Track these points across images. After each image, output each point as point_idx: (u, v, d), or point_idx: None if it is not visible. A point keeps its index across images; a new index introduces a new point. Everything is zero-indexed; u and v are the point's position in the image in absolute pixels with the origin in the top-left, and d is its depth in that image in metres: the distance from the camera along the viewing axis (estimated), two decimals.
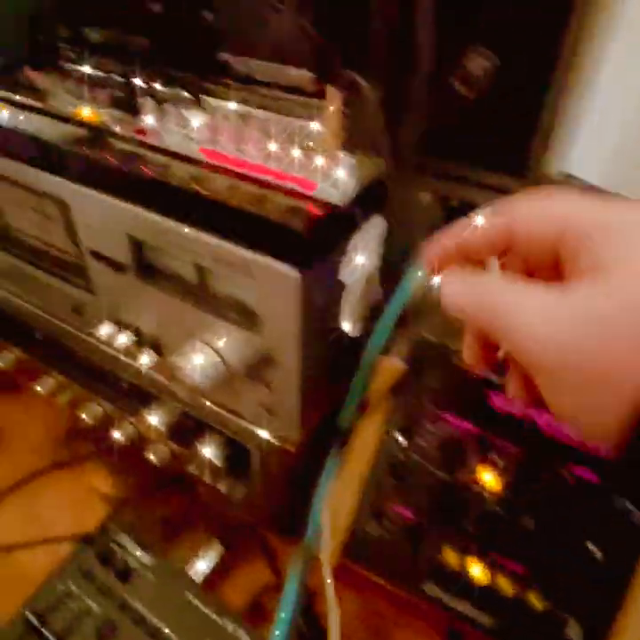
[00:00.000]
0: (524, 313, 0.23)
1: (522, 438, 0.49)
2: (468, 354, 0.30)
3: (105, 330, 0.56)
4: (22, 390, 0.81)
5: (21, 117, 0.53)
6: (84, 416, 0.72)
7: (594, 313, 0.21)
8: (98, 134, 0.49)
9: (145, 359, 0.55)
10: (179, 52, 0.56)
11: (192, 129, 0.48)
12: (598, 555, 0.46)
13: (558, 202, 0.25)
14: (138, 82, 0.57)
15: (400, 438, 0.53)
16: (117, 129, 0.50)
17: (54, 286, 0.61)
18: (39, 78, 0.59)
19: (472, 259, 0.28)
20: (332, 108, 0.45)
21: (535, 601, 0.49)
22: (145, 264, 0.50)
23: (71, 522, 0.66)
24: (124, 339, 0.55)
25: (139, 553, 0.58)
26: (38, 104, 0.55)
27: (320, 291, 0.44)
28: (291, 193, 0.42)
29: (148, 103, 0.51)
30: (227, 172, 0.44)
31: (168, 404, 0.61)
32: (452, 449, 0.51)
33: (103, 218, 0.48)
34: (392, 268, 0.53)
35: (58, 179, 0.49)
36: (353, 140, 0.47)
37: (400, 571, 0.54)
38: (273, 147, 0.46)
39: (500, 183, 0.49)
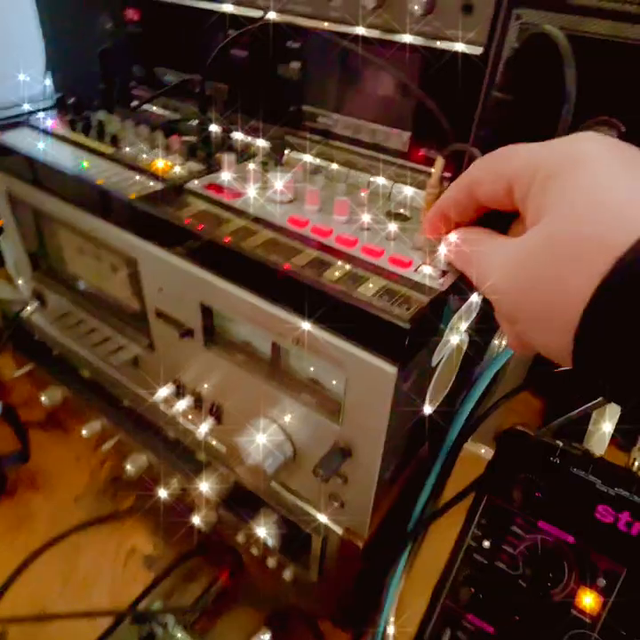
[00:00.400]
0: (487, 259, 0.26)
1: (631, 558, 0.42)
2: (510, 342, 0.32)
3: (164, 392, 0.53)
4: (69, 431, 0.79)
5: (93, 165, 0.50)
6: (128, 467, 0.68)
7: (530, 256, 0.23)
8: (174, 190, 0.46)
9: (204, 427, 0.51)
10: (261, 101, 0.53)
11: (275, 190, 0.44)
12: None
13: (503, 158, 0.27)
14: (215, 128, 0.54)
15: (483, 542, 0.47)
16: (196, 185, 0.46)
17: (111, 336, 0.58)
18: (112, 121, 0.57)
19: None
20: (435, 176, 0.40)
21: None
22: (215, 332, 0.46)
23: (110, 585, 0.62)
24: (183, 404, 0.51)
25: (180, 635, 0.53)
26: (110, 150, 0.52)
27: (411, 379, 0.39)
28: (388, 275, 0.37)
29: (226, 157, 0.47)
30: (316, 245, 0.40)
31: (223, 471, 0.57)
32: (547, 562, 0.45)
33: (174, 281, 0.45)
34: (474, 341, 0.48)
35: (128, 235, 0.46)
36: None
37: None
38: (366, 218, 0.41)
39: None
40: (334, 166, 0.50)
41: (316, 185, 0.46)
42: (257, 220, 0.43)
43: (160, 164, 0.50)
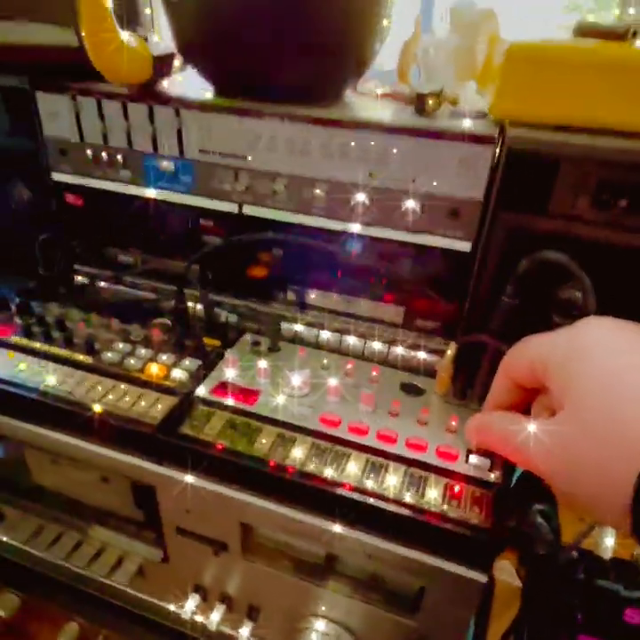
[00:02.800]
0: (520, 440, 0.30)
1: None
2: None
3: (192, 603, 0.48)
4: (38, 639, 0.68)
5: (78, 383, 0.45)
6: None
7: (570, 442, 0.27)
8: (186, 403, 0.44)
9: (244, 631, 0.48)
10: (241, 283, 0.53)
11: (291, 384, 0.44)
12: None
13: (523, 347, 0.32)
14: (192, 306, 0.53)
15: None
16: (205, 393, 0.45)
17: (104, 550, 0.52)
18: (72, 316, 0.53)
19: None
20: (448, 359, 0.44)
21: None
22: (254, 543, 0.44)
23: None
24: (217, 616, 0.48)
25: None
26: (88, 359, 0.48)
27: None
28: (442, 473, 0.39)
29: (230, 356, 0.46)
30: (360, 448, 0.40)
31: None
32: None
33: (207, 504, 0.42)
34: None
35: (146, 464, 0.43)
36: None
37: None
38: (393, 405, 0.43)
39: None
40: (327, 334, 0.51)
41: (317, 365, 0.47)
42: (288, 425, 0.42)
43: (154, 368, 0.47)
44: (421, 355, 0.49)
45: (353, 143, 0.42)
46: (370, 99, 0.48)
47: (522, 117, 0.39)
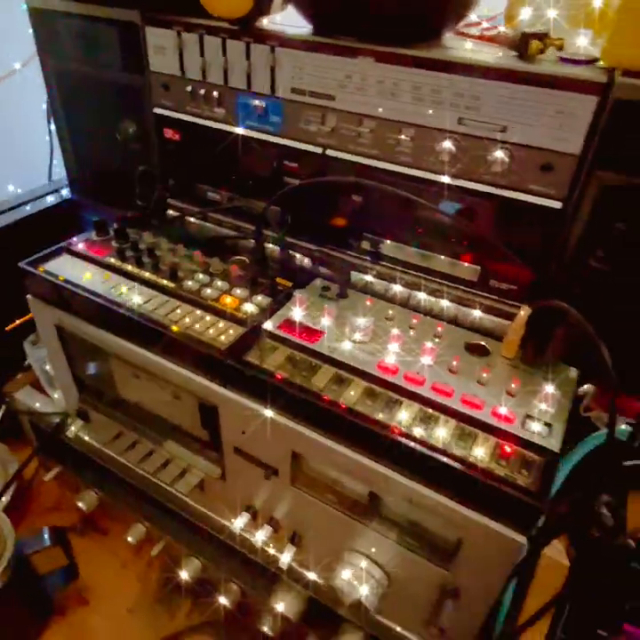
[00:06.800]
0: None
1: None
2: None
3: (241, 522, 0.52)
4: (108, 535, 0.76)
5: (159, 305, 0.49)
6: (183, 574, 0.67)
7: None
8: (253, 334, 0.46)
9: (285, 556, 0.51)
10: (320, 227, 0.53)
11: (354, 329, 0.45)
12: None
13: None
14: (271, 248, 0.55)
15: None
16: (271, 327, 0.47)
17: (171, 460, 0.57)
18: (162, 245, 0.57)
19: None
20: (520, 322, 0.42)
21: None
22: (303, 472, 0.46)
23: None
24: (262, 535, 0.51)
25: None
26: (171, 284, 0.52)
27: None
28: (495, 433, 0.38)
29: (298, 296, 0.48)
30: (414, 397, 0.41)
31: (297, 588, 0.57)
32: None
33: (262, 429, 0.45)
34: None
35: (211, 385, 0.46)
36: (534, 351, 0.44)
37: None
38: (453, 360, 0.43)
39: None
40: (397, 288, 0.51)
41: (395, 323, 0.47)
42: (346, 366, 0.43)
43: (228, 299, 0.49)
44: (492, 317, 0.47)
45: (441, 85, 0.41)
46: (470, 41, 0.46)
47: (636, 65, 0.35)
